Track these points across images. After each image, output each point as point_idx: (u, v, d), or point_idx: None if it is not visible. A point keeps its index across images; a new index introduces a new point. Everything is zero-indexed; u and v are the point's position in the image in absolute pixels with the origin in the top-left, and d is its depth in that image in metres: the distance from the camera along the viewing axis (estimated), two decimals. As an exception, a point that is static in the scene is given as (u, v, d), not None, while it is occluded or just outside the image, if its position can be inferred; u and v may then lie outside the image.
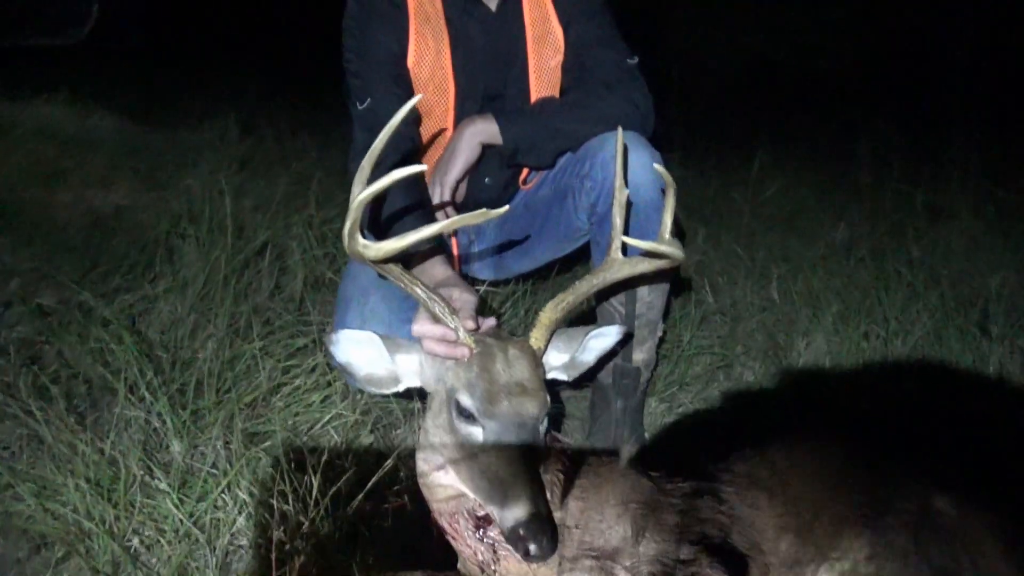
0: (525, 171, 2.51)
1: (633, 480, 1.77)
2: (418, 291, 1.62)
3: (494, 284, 2.91)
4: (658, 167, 1.74)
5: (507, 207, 1.61)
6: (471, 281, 2.84)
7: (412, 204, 2.03)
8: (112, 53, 5.89)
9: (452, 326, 1.61)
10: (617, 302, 2.33)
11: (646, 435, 2.52)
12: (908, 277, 3.08)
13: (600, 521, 1.71)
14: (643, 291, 2.29)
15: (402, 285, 1.63)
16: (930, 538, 1.66)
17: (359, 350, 1.70)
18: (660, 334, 2.41)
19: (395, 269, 1.60)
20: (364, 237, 1.55)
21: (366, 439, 2.24)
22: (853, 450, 1.87)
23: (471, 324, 1.65)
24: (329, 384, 2.38)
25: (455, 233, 2.52)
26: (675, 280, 3.40)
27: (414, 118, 2.31)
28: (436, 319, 1.63)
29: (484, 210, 1.50)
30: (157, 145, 4.68)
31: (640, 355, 2.39)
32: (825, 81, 7.42)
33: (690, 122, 5.44)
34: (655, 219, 2.21)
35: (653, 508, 1.72)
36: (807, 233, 3.94)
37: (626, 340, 2.35)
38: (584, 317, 2.62)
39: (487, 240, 2.63)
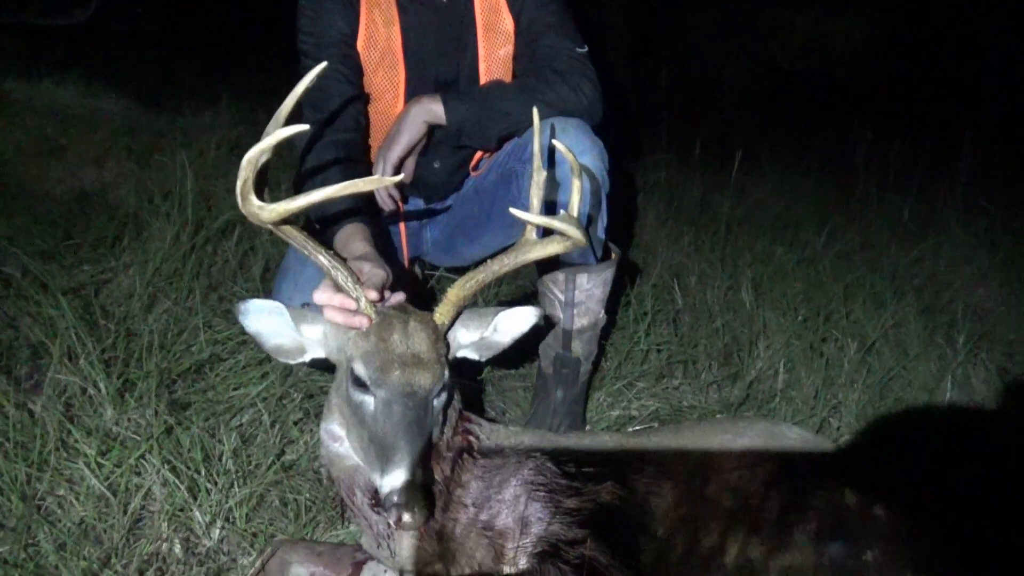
0: (476, 157, 2.50)
1: (537, 463, 1.75)
2: (321, 259, 1.61)
3: (453, 271, 2.91)
4: (556, 142, 1.71)
5: (402, 175, 1.61)
6: (427, 267, 2.85)
7: (337, 171, 2.05)
8: (124, 35, 6.00)
9: (354, 295, 1.60)
10: (557, 289, 2.31)
11: (587, 427, 2.49)
12: (875, 284, 3.02)
13: (498, 501, 1.70)
14: (582, 279, 2.27)
15: (306, 252, 1.62)
16: (835, 534, 1.62)
17: (267, 320, 1.69)
18: (601, 324, 2.38)
19: (295, 233, 1.59)
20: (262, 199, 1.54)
21: (295, 413, 2.24)
22: (769, 446, 1.82)
23: (374, 295, 1.64)
24: (270, 359, 2.39)
25: (404, 217, 2.52)
26: (644, 279, 3.38)
27: (363, 99, 2.32)
28: (338, 288, 1.62)
29: (377, 177, 1.50)
30: (158, 127, 4.74)
31: (580, 345, 2.36)
32: (836, 93, 7.34)
33: (688, 126, 5.40)
34: (594, 204, 2.21)
35: (552, 491, 1.70)
36: (791, 239, 3.88)
37: (552, 326, 2.33)
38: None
39: (439, 226, 2.63)
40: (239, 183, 1.51)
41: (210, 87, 5.42)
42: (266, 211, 1.53)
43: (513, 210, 1.60)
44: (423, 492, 1.45)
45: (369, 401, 1.56)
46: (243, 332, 2.51)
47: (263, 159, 1.51)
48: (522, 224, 1.95)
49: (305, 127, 1.44)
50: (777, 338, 2.79)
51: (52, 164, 4.00)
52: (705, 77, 7.82)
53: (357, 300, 1.60)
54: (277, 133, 1.44)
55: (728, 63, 8.15)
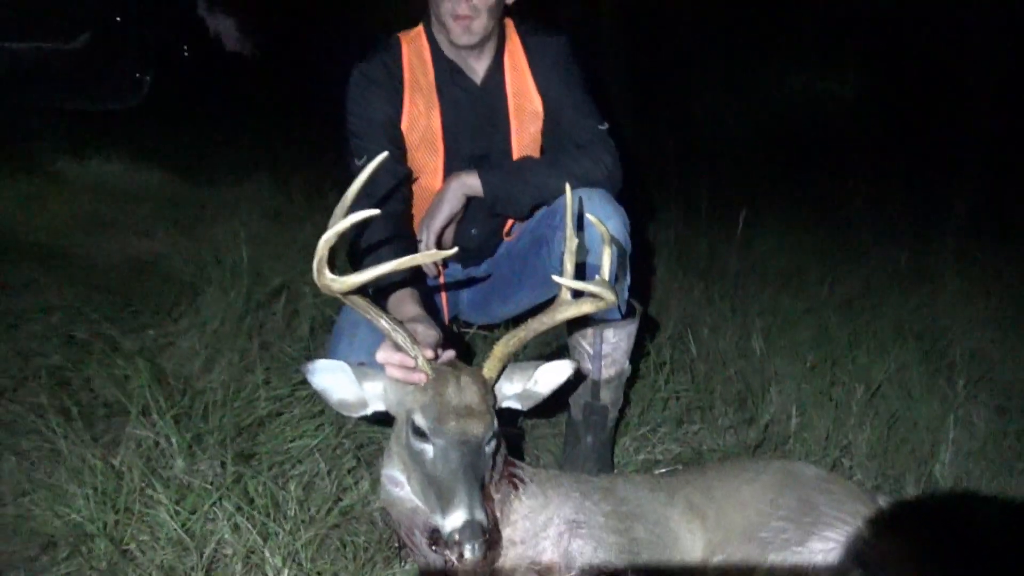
0: (509, 223, 2.75)
1: (577, 502, 1.94)
2: (383, 323, 1.84)
3: (486, 328, 3.13)
4: (590, 216, 1.96)
5: (455, 248, 1.84)
6: (463, 324, 3.07)
7: (389, 244, 2.29)
8: (162, 114, 6.40)
9: (412, 354, 1.82)
10: (587, 343, 2.53)
11: (615, 470, 2.68)
12: (878, 331, 3.23)
13: (544, 539, 1.89)
14: (609, 333, 2.49)
15: (369, 317, 1.85)
16: (854, 564, 1.79)
17: (332, 378, 1.90)
18: (626, 375, 2.59)
19: (361, 301, 1.82)
20: (333, 272, 1.78)
21: (349, 462, 2.44)
22: (788, 483, 2.01)
23: (430, 353, 1.86)
24: (322, 412, 2.61)
25: (444, 281, 2.76)
26: (660, 331, 3.60)
27: (407, 176, 2.58)
28: (398, 348, 1.84)
29: (434, 251, 1.74)
30: (200, 199, 5.08)
31: (608, 394, 2.57)
32: (832, 149, 7.65)
33: (696, 183, 5.68)
34: (619, 265, 2.44)
35: (592, 527, 1.89)
36: (796, 289, 4.10)
37: (581, 377, 2.54)
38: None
39: (475, 287, 2.86)
40: (315, 261, 1.75)
41: (245, 160, 5.77)
42: (338, 283, 1.77)
43: (555, 277, 1.83)
44: (480, 530, 1.64)
45: (428, 449, 1.76)
46: (296, 388, 2.77)
47: (333, 241, 1.75)
48: (552, 284, 2.21)
49: (374, 212, 1.68)
50: (788, 384, 2.99)
51: (104, 237, 4.31)
52: (708, 138, 8.16)
53: (415, 359, 1.82)
54: (349, 218, 1.68)
55: (728, 125, 8.49)
